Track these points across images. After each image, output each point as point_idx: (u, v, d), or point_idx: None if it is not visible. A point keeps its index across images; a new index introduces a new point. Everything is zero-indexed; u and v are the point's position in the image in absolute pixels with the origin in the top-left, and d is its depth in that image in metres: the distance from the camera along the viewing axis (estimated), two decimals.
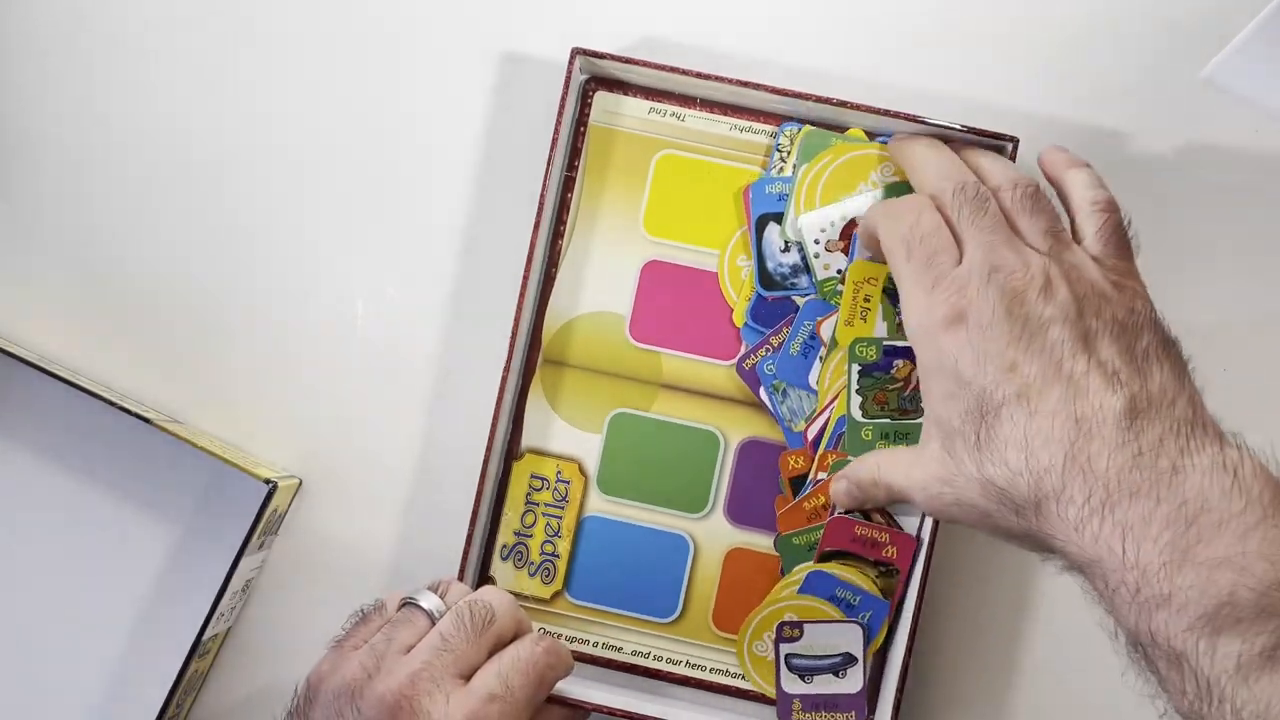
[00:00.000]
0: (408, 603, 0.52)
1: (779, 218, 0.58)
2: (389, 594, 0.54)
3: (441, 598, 0.52)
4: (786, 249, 0.58)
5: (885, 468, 0.52)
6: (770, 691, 0.58)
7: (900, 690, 0.56)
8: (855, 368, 0.57)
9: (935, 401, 0.48)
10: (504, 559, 0.60)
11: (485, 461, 0.57)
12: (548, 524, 0.59)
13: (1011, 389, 0.45)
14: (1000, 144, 0.58)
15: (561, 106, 0.58)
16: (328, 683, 0.48)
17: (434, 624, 0.50)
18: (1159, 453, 0.43)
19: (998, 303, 0.47)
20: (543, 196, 0.58)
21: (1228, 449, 0.43)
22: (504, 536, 0.60)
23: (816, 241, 0.58)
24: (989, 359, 0.46)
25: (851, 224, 0.57)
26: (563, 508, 0.60)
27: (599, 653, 0.59)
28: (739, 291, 0.60)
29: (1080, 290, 0.48)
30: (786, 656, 0.57)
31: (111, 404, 0.57)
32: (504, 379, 0.58)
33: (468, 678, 0.48)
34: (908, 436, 0.56)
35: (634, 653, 0.59)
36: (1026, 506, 0.45)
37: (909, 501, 0.51)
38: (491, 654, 0.50)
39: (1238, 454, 0.43)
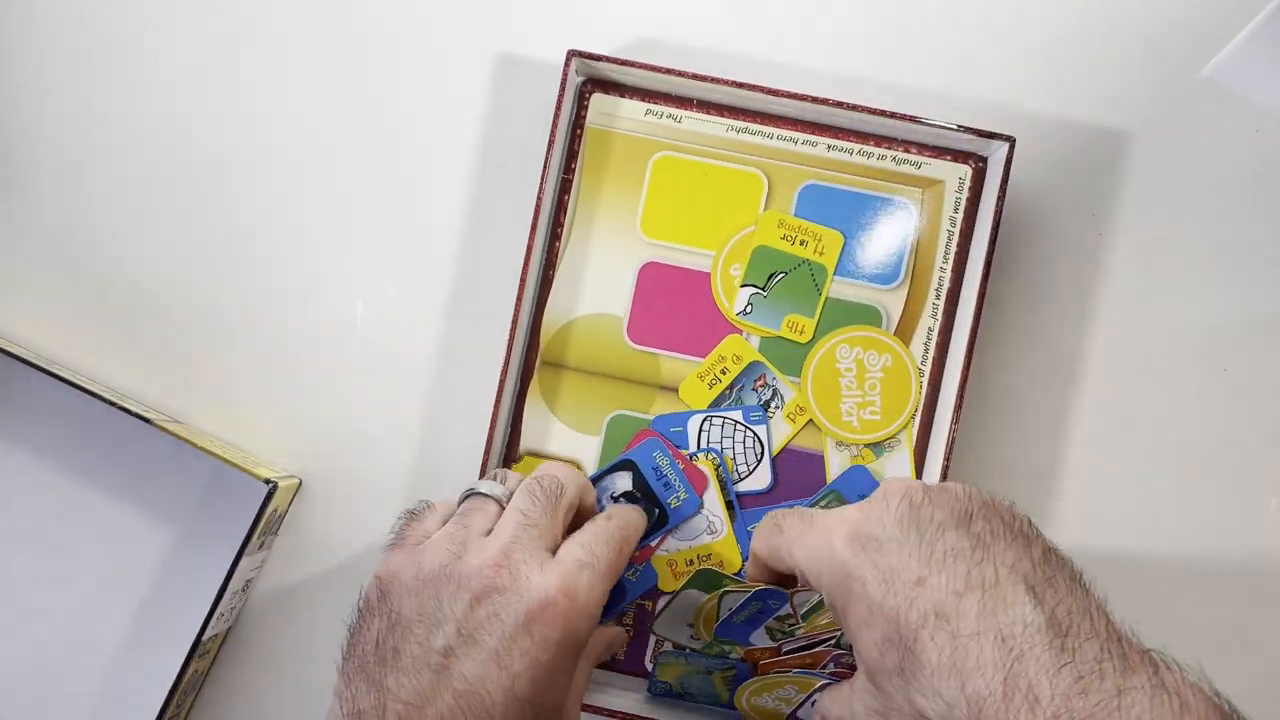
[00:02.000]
0: (471, 493, 0.52)
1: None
2: (433, 497, 0.54)
3: (501, 484, 0.52)
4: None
5: (826, 700, 0.49)
6: None
7: None
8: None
9: (851, 630, 0.44)
10: None
11: (484, 463, 0.58)
12: None
13: (927, 606, 0.41)
14: (998, 144, 0.57)
15: (558, 108, 0.58)
16: (408, 573, 0.48)
17: (503, 508, 0.51)
18: (1100, 674, 0.38)
19: (893, 513, 0.44)
20: (540, 198, 0.58)
21: (1162, 670, 0.39)
22: None
23: None
24: (895, 576, 0.42)
25: None
26: None
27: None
28: (730, 297, 0.60)
29: (958, 495, 0.45)
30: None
31: (111, 404, 0.58)
32: (502, 381, 0.58)
33: (553, 551, 0.49)
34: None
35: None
36: None
37: None
38: (566, 525, 0.51)
39: (1173, 676, 0.39)
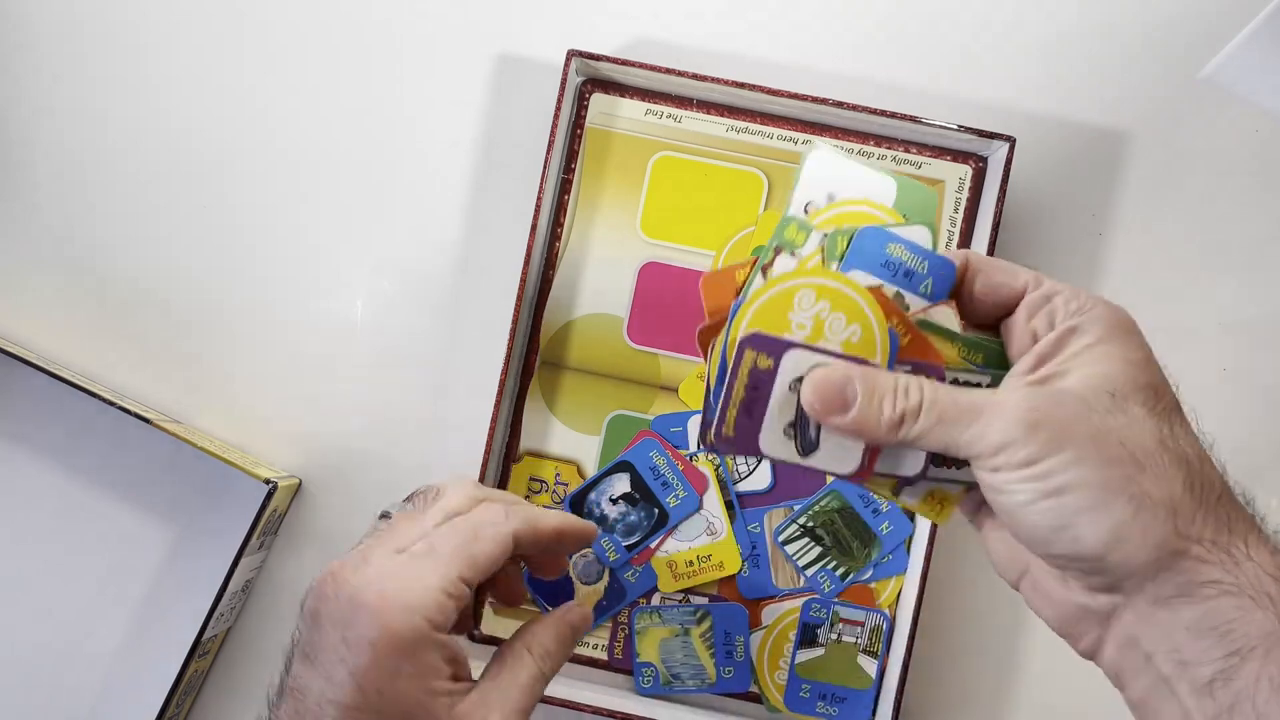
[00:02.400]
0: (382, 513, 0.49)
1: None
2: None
3: (410, 502, 0.48)
4: None
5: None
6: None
7: (900, 690, 0.56)
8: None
9: (1106, 353, 0.39)
10: None
11: (484, 464, 0.57)
12: None
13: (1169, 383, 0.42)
14: (998, 144, 0.57)
15: (558, 108, 0.58)
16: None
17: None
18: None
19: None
20: (540, 198, 0.58)
21: None
22: None
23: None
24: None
25: None
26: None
27: (596, 654, 0.60)
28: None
29: None
30: None
31: (111, 404, 0.58)
32: (502, 381, 0.58)
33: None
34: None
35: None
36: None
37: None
38: (443, 529, 0.46)
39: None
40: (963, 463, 0.40)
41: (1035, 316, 0.39)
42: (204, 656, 0.59)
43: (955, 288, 0.40)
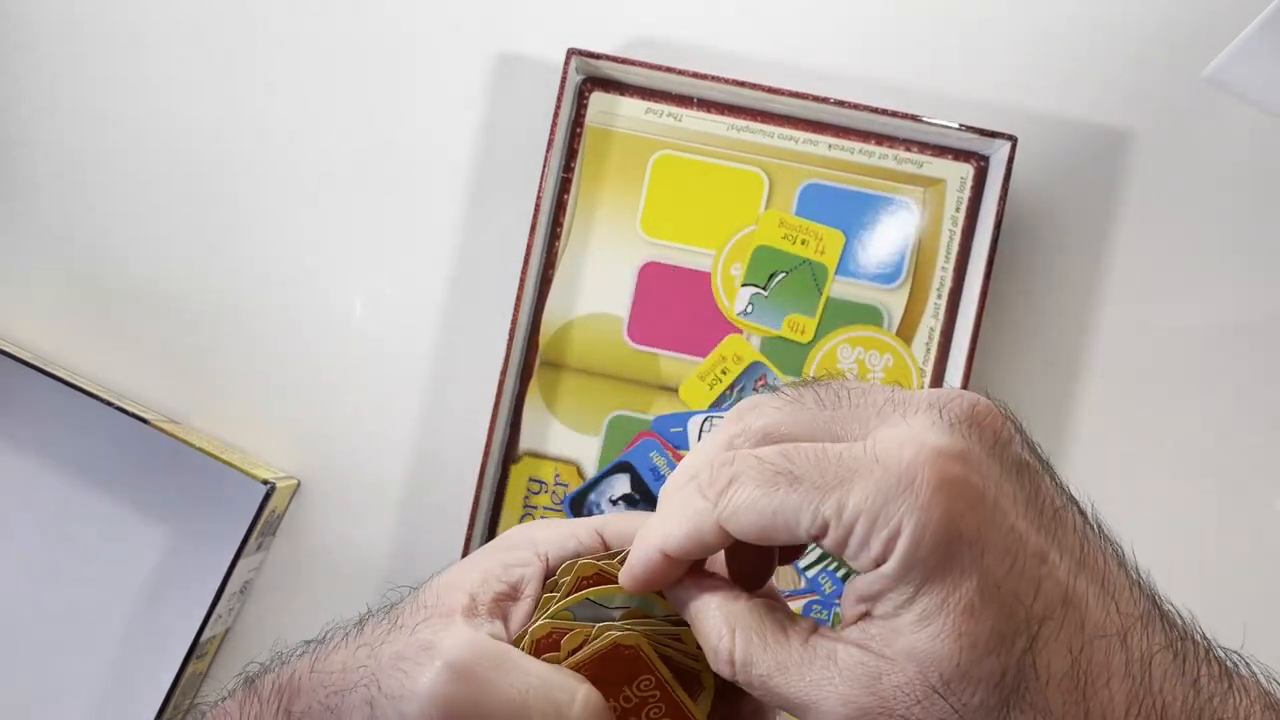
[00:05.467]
0: None
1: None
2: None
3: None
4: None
5: (768, 666, 0.32)
6: None
7: None
8: None
9: (927, 614, 0.30)
10: None
11: (483, 464, 0.57)
12: None
13: (1054, 593, 0.30)
14: (999, 143, 0.57)
15: (558, 107, 0.58)
16: None
17: None
18: (1213, 684, 0.31)
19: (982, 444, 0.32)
20: (539, 198, 0.58)
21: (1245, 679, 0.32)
22: None
23: None
24: (1019, 546, 0.30)
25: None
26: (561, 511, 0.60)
27: None
28: (730, 297, 0.59)
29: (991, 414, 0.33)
30: None
31: (109, 404, 0.57)
32: (501, 381, 0.58)
33: None
34: None
35: None
36: None
37: None
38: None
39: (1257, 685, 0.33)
40: None
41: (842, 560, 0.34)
42: (202, 658, 0.58)
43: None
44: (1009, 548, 0.30)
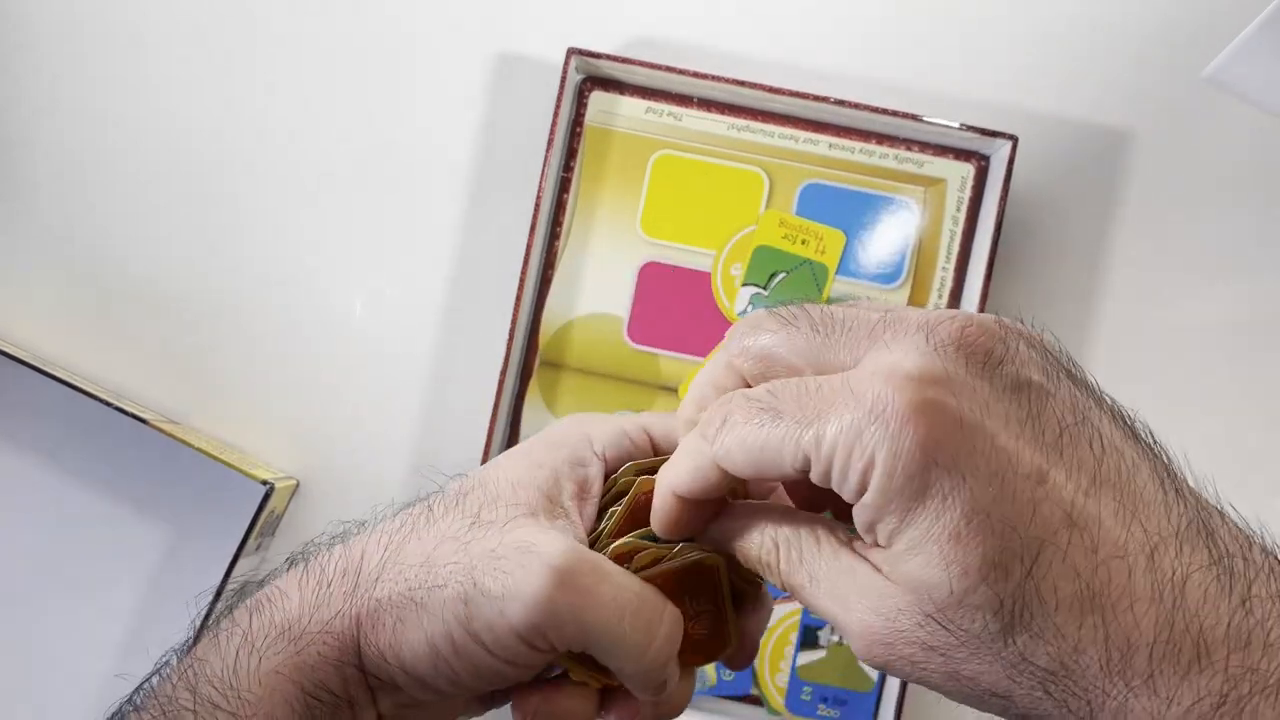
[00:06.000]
0: None
1: None
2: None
3: None
4: None
5: (802, 578, 0.33)
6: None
7: (902, 693, 0.56)
8: None
9: (917, 543, 0.29)
10: None
11: (483, 463, 0.57)
12: None
13: (1055, 513, 0.29)
14: (1000, 143, 0.57)
15: (558, 107, 0.58)
16: None
17: None
18: (1268, 609, 0.29)
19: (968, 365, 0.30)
20: (539, 198, 0.58)
21: None
22: None
23: None
24: (1007, 467, 0.29)
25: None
26: None
27: None
28: (730, 297, 0.59)
29: (1007, 332, 0.32)
30: None
31: (108, 405, 0.57)
32: (501, 381, 0.57)
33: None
34: None
35: None
36: (1090, 693, 0.29)
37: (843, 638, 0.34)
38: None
39: None
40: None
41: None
42: None
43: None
44: (995, 470, 0.29)
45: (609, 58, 0.58)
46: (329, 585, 0.36)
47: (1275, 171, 0.60)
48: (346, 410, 0.62)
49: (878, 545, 0.30)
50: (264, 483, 0.57)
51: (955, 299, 0.59)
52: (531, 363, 0.60)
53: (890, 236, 0.59)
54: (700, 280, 0.60)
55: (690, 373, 0.59)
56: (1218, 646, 0.28)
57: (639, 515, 0.37)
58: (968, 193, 0.59)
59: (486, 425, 0.58)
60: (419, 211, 0.62)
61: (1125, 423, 0.32)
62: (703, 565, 0.36)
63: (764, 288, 0.59)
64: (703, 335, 0.59)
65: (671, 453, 0.36)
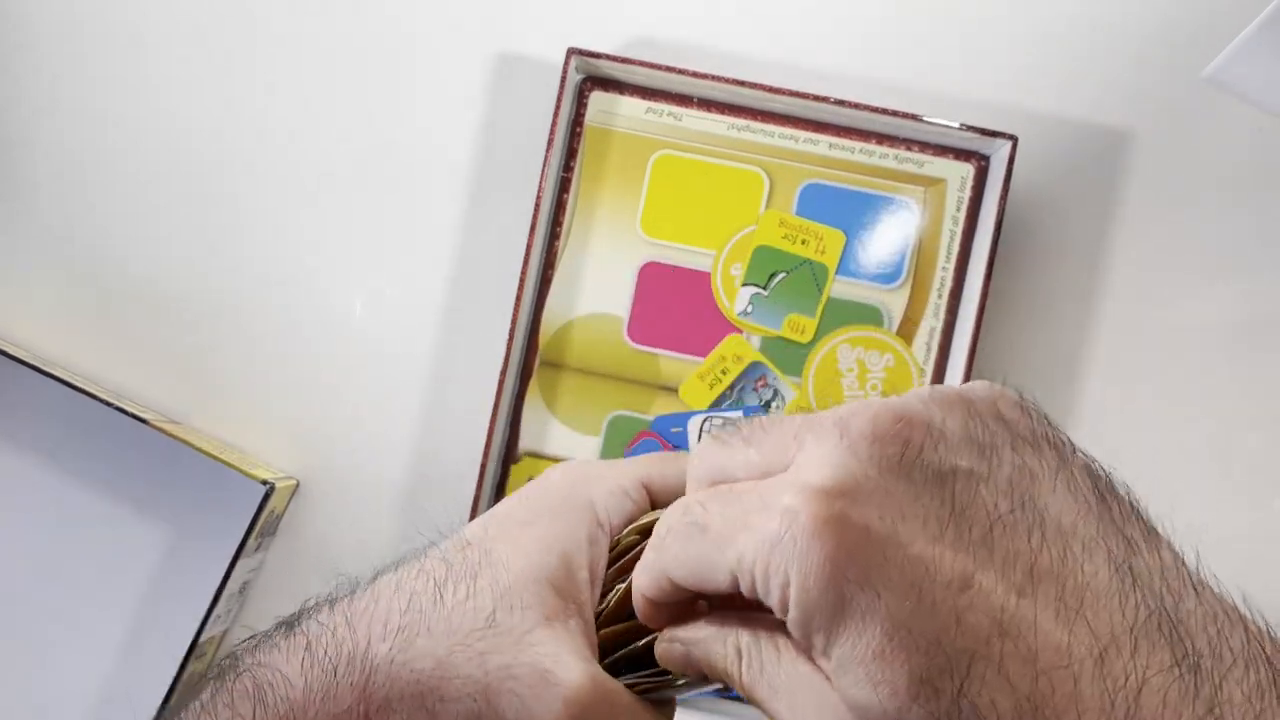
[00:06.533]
0: None
1: None
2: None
3: None
4: None
5: (765, 690, 0.31)
6: None
7: None
8: None
9: (842, 664, 0.27)
10: None
11: (483, 464, 0.57)
12: None
13: (983, 620, 0.26)
14: (1000, 142, 0.57)
15: (558, 107, 0.58)
16: None
17: None
18: (1244, 714, 0.25)
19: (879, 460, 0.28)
20: (539, 198, 0.58)
21: None
22: None
23: None
24: (926, 576, 0.27)
25: None
26: None
27: None
28: (730, 297, 0.59)
29: (954, 403, 0.30)
30: None
31: (108, 404, 0.57)
32: (501, 381, 0.57)
33: None
34: None
35: None
36: None
37: None
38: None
39: None
40: None
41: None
42: (201, 658, 0.58)
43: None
44: (912, 581, 0.26)
45: (609, 58, 0.58)
46: (335, 674, 0.34)
47: (1275, 171, 0.60)
48: (346, 410, 0.62)
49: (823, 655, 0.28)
50: (264, 483, 0.57)
51: (955, 299, 0.59)
52: (531, 363, 0.60)
53: (890, 236, 0.59)
54: (700, 280, 0.60)
55: (690, 373, 0.59)
56: None
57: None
58: (968, 193, 0.59)
59: (486, 425, 0.58)
60: (419, 211, 0.62)
61: (1096, 486, 0.29)
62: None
63: (764, 288, 0.59)
64: (703, 335, 0.59)
65: (668, 505, 0.36)
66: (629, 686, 0.36)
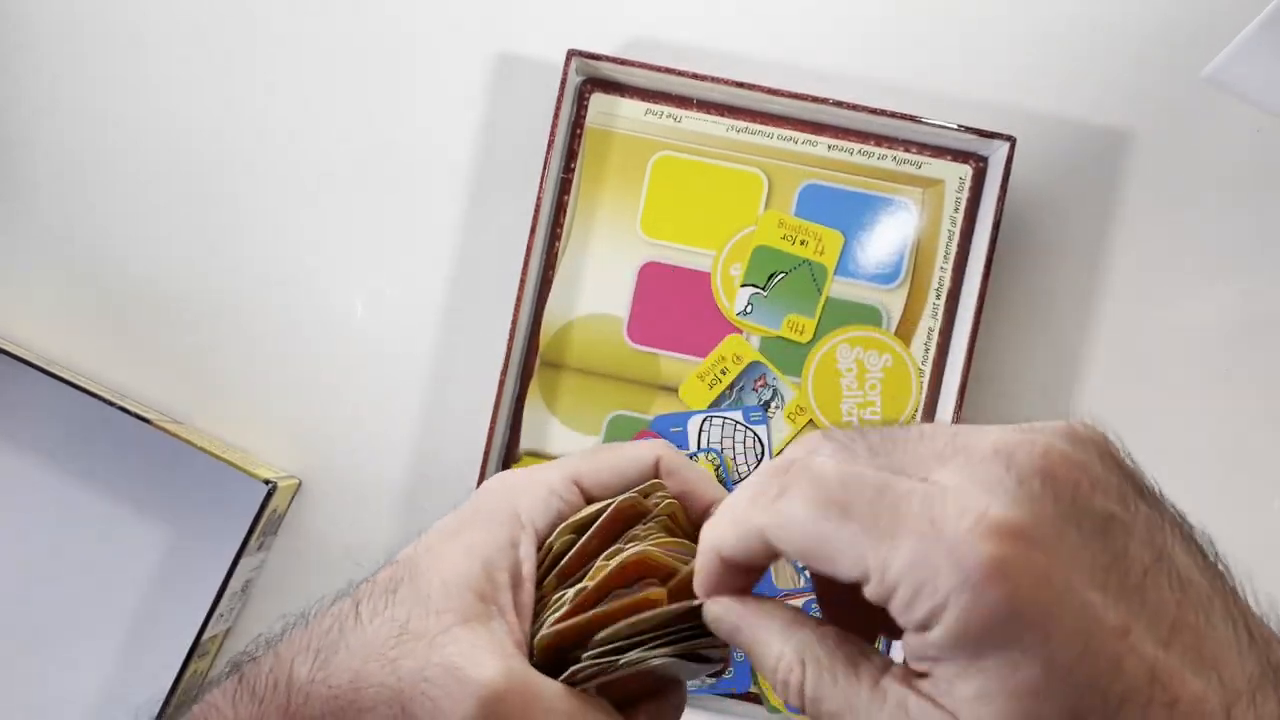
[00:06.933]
0: None
1: None
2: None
3: None
4: None
5: (838, 704, 0.30)
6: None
7: None
8: None
9: (983, 692, 0.27)
10: None
11: (483, 464, 0.57)
12: None
13: (1138, 671, 0.27)
14: (998, 143, 0.57)
15: (558, 108, 0.58)
16: None
17: None
18: None
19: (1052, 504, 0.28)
20: (540, 198, 0.58)
21: None
22: None
23: None
24: (1093, 623, 0.27)
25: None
26: None
27: None
28: (730, 297, 0.60)
29: (1094, 450, 0.31)
30: None
31: (111, 404, 0.57)
32: (502, 381, 0.58)
33: None
34: None
35: None
36: None
37: None
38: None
39: None
40: None
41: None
42: (203, 657, 0.58)
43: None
44: (1081, 629, 0.27)
45: (609, 59, 0.58)
46: (261, 701, 0.35)
47: (1275, 171, 0.60)
48: (347, 410, 0.62)
49: (927, 676, 0.28)
50: (266, 482, 0.57)
51: (953, 299, 0.59)
52: (532, 363, 0.60)
53: (889, 237, 0.59)
54: (700, 280, 0.60)
55: (690, 373, 0.60)
56: None
57: (608, 587, 0.36)
58: (966, 193, 0.59)
59: (486, 425, 0.58)
60: (419, 211, 0.62)
61: (1195, 544, 0.30)
62: (652, 671, 0.35)
63: (763, 288, 0.60)
64: (703, 335, 0.60)
65: (605, 498, 0.37)
66: (584, 671, 0.35)
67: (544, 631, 0.36)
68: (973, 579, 0.27)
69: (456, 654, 0.34)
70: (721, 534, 0.32)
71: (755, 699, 0.59)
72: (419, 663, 0.34)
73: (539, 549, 0.38)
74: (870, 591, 0.28)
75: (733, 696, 0.59)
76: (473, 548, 0.37)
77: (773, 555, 0.31)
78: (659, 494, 0.39)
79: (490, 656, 0.34)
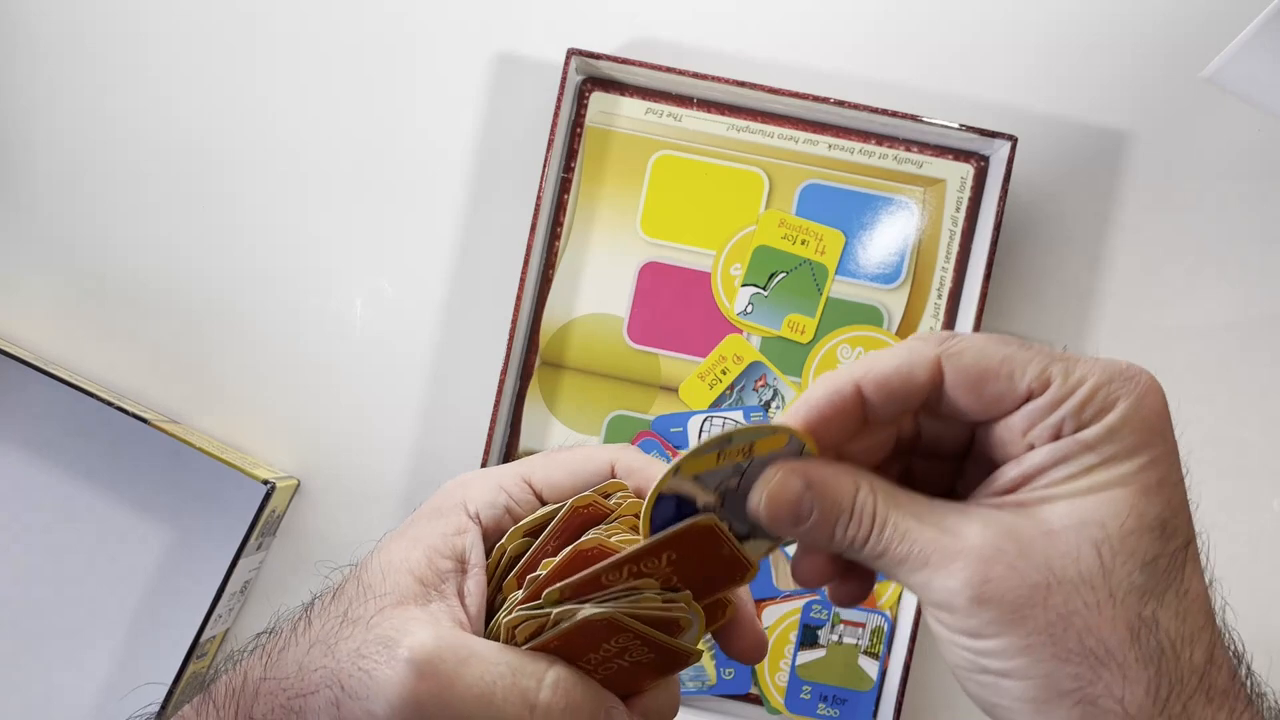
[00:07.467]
0: None
1: None
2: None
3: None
4: None
5: (905, 516, 0.34)
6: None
7: (901, 692, 0.56)
8: None
9: (1124, 487, 0.33)
10: None
11: (483, 464, 0.57)
12: None
13: (1192, 528, 0.34)
14: (999, 143, 0.57)
15: (558, 107, 0.58)
16: None
17: None
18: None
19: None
20: (539, 198, 0.58)
21: None
22: None
23: None
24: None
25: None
26: None
27: None
28: (730, 297, 0.59)
29: None
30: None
31: (109, 404, 0.57)
32: (501, 381, 0.58)
33: None
34: None
35: None
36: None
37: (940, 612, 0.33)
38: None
39: None
40: None
41: (1034, 428, 0.33)
42: (202, 658, 0.58)
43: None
44: (1182, 463, 0.34)
45: (609, 58, 0.58)
46: (219, 710, 0.36)
47: (1275, 172, 0.60)
48: (347, 410, 0.62)
49: (1013, 492, 0.33)
50: (265, 482, 0.57)
51: (954, 299, 0.59)
52: (532, 362, 0.60)
53: (890, 237, 0.59)
54: (700, 280, 0.60)
55: (690, 373, 0.60)
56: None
57: (569, 569, 0.35)
58: (967, 193, 0.59)
59: (486, 425, 0.58)
60: (419, 211, 0.62)
61: None
62: (590, 621, 0.34)
63: (764, 288, 0.60)
64: (703, 335, 0.60)
65: (558, 499, 0.37)
66: (519, 628, 0.35)
67: (506, 619, 0.36)
68: (1141, 387, 0.33)
69: (390, 629, 0.34)
70: (872, 364, 0.34)
71: (755, 700, 0.59)
72: (355, 644, 0.34)
73: (489, 543, 0.38)
74: (1048, 396, 0.32)
75: (733, 698, 0.59)
76: (417, 539, 0.38)
77: (925, 390, 0.33)
78: (620, 494, 0.38)
79: (422, 627, 0.34)
